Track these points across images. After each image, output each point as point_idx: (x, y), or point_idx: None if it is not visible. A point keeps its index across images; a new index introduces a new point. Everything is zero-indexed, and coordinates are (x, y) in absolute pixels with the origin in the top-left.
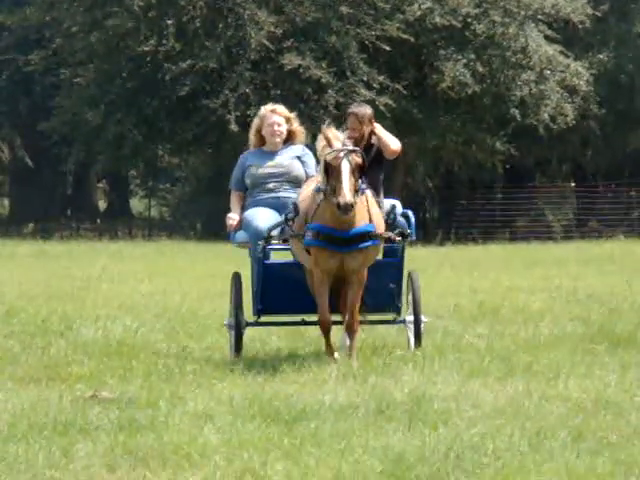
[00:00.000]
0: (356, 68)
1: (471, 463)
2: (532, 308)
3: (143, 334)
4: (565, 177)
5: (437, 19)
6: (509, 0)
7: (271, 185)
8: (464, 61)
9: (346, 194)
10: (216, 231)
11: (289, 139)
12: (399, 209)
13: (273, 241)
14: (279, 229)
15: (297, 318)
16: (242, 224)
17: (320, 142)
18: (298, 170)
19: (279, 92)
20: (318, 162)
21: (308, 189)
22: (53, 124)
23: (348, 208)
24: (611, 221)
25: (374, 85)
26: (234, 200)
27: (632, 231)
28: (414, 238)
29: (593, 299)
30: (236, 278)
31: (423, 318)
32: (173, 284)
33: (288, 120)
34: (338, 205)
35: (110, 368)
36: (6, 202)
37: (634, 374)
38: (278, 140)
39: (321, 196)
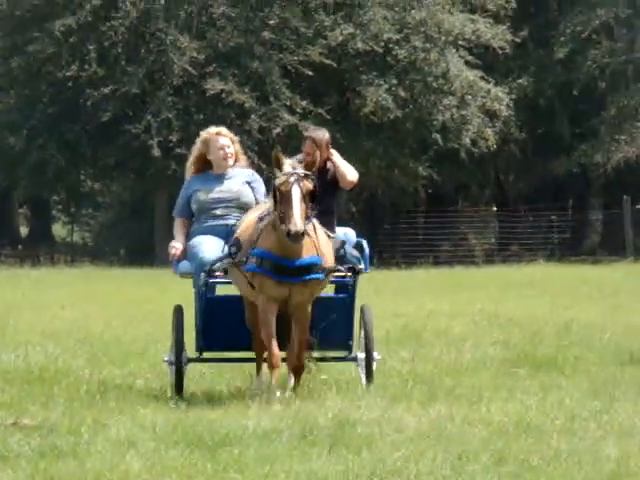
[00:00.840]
0: (279, 93)
1: None
2: (454, 332)
3: (65, 360)
4: (487, 201)
5: (359, 44)
6: (430, 26)
7: (219, 211)
8: (386, 86)
9: (297, 221)
10: (140, 257)
11: (235, 161)
12: (352, 238)
13: (217, 273)
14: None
15: (243, 354)
16: (187, 253)
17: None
18: (248, 196)
19: (202, 117)
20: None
21: (249, 218)
22: None
23: (299, 236)
24: (532, 245)
25: (297, 110)
26: (178, 227)
27: (552, 255)
28: (367, 271)
29: (514, 323)
30: (178, 312)
31: (375, 355)
32: (96, 310)
33: (233, 142)
34: (288, 233)
35: (31, 395)
36: None
37: (555, 397)
38: (230, 163)
39: (264, 222)
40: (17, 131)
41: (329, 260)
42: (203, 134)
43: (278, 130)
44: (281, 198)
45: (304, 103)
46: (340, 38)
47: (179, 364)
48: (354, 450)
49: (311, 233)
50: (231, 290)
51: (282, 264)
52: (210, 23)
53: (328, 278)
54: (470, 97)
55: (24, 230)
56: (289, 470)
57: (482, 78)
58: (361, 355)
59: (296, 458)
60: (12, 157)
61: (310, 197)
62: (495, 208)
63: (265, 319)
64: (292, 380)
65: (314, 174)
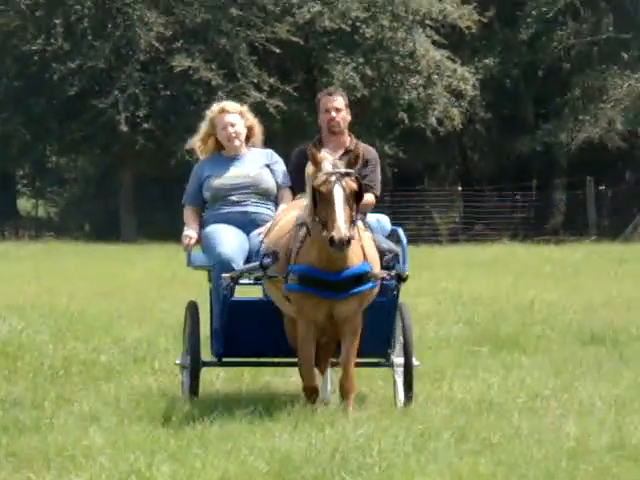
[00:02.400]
0: (246, 70)
1: (356, 464)
2: (418, 310)
3: (28, 335)
4: (452, 180)
5: (326, 22)
6: (397, 5)
7: (235, 197)
8: (353, 64)
9: (341, 227)
10: (105, 232)
11: (248, 137)
12: (387, 226)
13: (247, 276)
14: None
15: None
16: (202, 243)
17: (309, 166)
18: (267, 181)
19: (169, 93)
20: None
21: (286, 218)
22: None
23: (343, 244)
24: (496, 224)
25: (264, 87)
26: (189, 216)
27: (516, 235)
28: (406, 270)
29: (477, 302)
30: (192, 309)
31: (415, 362)
32: (60, 284)
33: (242, 115)
34: (331, 241)
35: None
36: None
37: (516, 375)
38: (238, 143)
39: (303, 229)
40: None
41: (376, 266)
42: (208, 113)
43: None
44: (321, 201)
45: (271, 80)
46: (308, 16)
47: (195, 368)
48: (317, 427)
49: (356, 241)
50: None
51: (326, 279)
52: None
53: (377, 287)
54: (436, 77)
55: None
56: (252, 446)
57: (449, 58)
58: (398, 360)
59: (259, 434)
60: None
61: (354, 198)
62: (460, 187)
63: (303, 347)
64: (328, 394)
65: (358, 171)
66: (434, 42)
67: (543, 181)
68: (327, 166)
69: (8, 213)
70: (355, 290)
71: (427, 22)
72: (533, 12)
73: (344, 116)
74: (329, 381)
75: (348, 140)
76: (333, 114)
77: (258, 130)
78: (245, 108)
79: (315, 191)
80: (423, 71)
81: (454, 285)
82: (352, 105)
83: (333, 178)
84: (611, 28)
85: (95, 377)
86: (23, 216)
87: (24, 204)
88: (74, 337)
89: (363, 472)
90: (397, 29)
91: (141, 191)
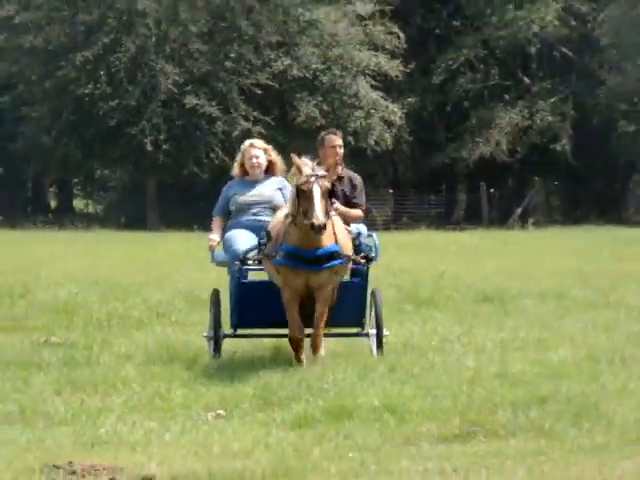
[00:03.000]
0: (237, 106)
1: (317, 389)
2: None
3: (82, 297)
4: (385, 185)
5: (295, 72)
6: (345, 59)
7: (254, 210)
8: (314, 102)
9: (319, 215)
10: (135, 223)
11: (270, 169)
12: (365, 232)
13: (249, 262)
14: (254, 252)
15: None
16: (223, 245)
17: (293, 170)
18: (278, 200)
19: (181, 123)
20: None
21: (278, 216)
22: (19, 146)
23: (321, 228)
24: (417, 217)
25: (250, 118)
26: (216, 224)
27: (431, 224)
28: (378, 261)
29: (404, 272)
30: (215, 295)
31: (385, 332)
32: (104, 261)
33: (266, 151)
34: (312, 226)
35: (58, 321)
36: None
37: (431, 325)
38: (257, 172)
39: (289, 220)
40: (48, 133)
41: (347, 249)
42: (242, 145)
43: (237, 133)
44: (303, 196)
45: (255, 113)
46: (281, 67)
47: (217, 339)
48: (290, 364)
49: (329, 226)
50: (260, 275)
51: (304, 255)
52: (188, 55)
53: (349, 263)
54: (373, 111)
55: (53, 204)
56: (243, 377)
57: (382, 97)
58: (372, 331)
59: (249, 370)
60: (44, 152)
61: (328, 195)
62: (391, 190)
63: (289, 308)
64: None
65: (331, 177)
66: (372, 86)
67: (450, 186)
68: (307, 170)
69: (67, 210)
70: (326, 265)
71: (367, 72)
72: (442, 64)
73: (341, 151)
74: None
75: (340, 169)
76: (340, 151)
77: (279, 166)
78: (270, 147)
79: (298, 189)
80: (364, 107)
81: (387, 261)
82: (313, 132)
83: (312, 179)
84: (497, 77)
85: (129, 327)
86: (77, 212)
87: (78, 203)
88: (114, 298)
89: (322, 394)
90: (345, 77)
91: (161, 193)
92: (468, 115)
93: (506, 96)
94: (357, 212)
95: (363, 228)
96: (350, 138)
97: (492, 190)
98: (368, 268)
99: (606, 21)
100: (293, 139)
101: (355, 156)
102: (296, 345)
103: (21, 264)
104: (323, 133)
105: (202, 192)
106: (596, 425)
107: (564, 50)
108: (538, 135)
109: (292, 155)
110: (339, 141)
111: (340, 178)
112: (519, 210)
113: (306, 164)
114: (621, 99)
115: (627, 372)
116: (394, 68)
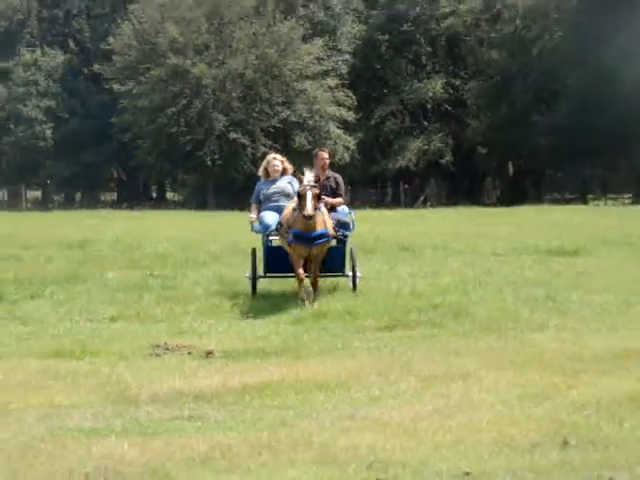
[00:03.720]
0: (259, 138)
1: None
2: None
3: (172, 250)
4: (345, 186)
5: (292, 118)
6: (322, 112)
7: (275, 198)
8: (303, 136)
9: (309, 209)
10: (201, 206)
11: (284, 171)
12: (345, 209)
13: (273, 235)
14: (275, 231)
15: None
16: (259, 220)
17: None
18: (290, 190)
19: (227, 149)
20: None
21: (288, 208)
22: (134, 164)
23: (310, 218)
24: (366, 204)
25: (267, 145)
26: (253, 207)
27: (372, 206)
28: (353, 229)
29: (359, 236)
30: (253, 252)
31: (358, 273)
32: (183, 228)
33: (282, 162)
34: (304, 215)
35: (157, 263)
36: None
37: (371, 265)
38: (277, 174)
39: (296, 213)
40: (151, 155)
41: (331, 230)
42: (267, 157)
43: (259, 154)
44: (300, 197)
45: (269, 143)
46: (284, 116)
47: (254, 279)
48: (296, 304)
49: (320, 216)
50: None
51: (305, 236)
52: (231, 110)
53: (332, 240)
54: (338, 140)
55: (154, 195)
56: (262, 310)
57: (343, 133)
58: (350, 273)
59: (270, 306)
60: (149, 166)
61: (317, 197)
62: (350, 187)
63: (295, 263)
64: (311, 290)
65: (319, 184)
66: (337, 127)
67: (382, 184)
68: (305, 182)
69: (162, 199)
70: (320, 241)
71: (334, 119)
72: (377, 114)
73: (327, 161)
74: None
75: (328, 172)
76: (326, 160)
77: (290, 170)
78: (285, 159)
79: (298, 193)
80: (332, 139)
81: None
82: (304, 153)
83: (307, 187)
84: (409, 121)
85: (198, 266)
86: (168, 200)
87: (169, 195)
88: (188, 249)
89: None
90: (321, 121)
91: (216, 189)
92: (392, 143)
93: (414, 132)
94: (339, 200)
95: (346, 209)
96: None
97: (406, 186)
98: (347, 236)
99: (469, 89)
100: (291, 158)
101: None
102: (299, 282)
103: (136, 230)
104: (317, 149)
105: (238, 188)
106: (465, 320)
107: (446, 106)
108: (432, 154)
109: (297, 173)
110: (325, 155)
111: (328, 177)
112: (422, 198)
113: (306, 178)
114: (479, 134)
115: (483, 290)
116: (349, 116)
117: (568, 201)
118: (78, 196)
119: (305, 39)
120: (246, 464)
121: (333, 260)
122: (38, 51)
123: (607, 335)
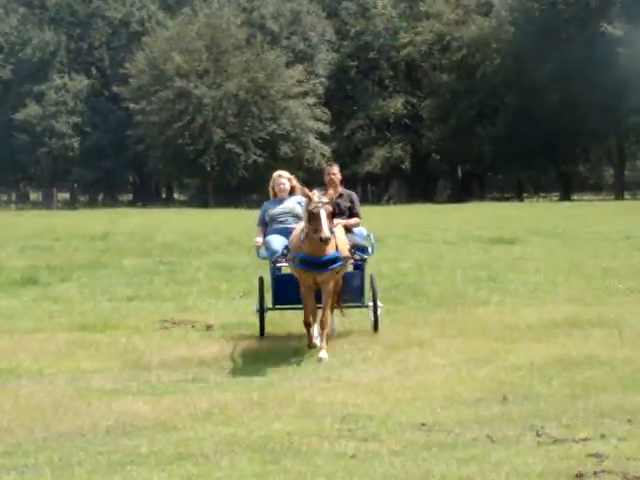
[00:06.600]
0: (250, 148)
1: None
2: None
3: (178, 240)
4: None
5: (278, 132)
6: (302, 125)
7: (282, 219)
8: (287, 145)
9: (326, 231)
10: (202, 204)
11: (292, 191)
12: (364, 232)
13: (281, 260)
14: (282, 257)
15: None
16: (265, 244)
17: (306, 200)
18: (298, 210)
19: (224, 157)
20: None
21: (296, 230)
22: (147, 170)
23: (328, 240)
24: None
25: (257, 154)
26: (258, 231)
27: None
28: (373, 253)
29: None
30: (260, 281)
31: (379, 303)
32: (188, 223)
33: (289, 179)
34: (321, 239)
35: (166, 251)
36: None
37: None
38: (284, 194)
39: (303, 235)
40: (160, 162)
41: (344, 252)
42: (272, 175)
43: (249, 161)
44: (313, 218)
45: (259, 152)
46: (271, 130)
47: (262, 312)
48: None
49: (332, 238)
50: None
51: (314, 261)
52: (227, 124)
53: (347, 264)
54: (316, 149)
55: (163, 195)
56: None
57: (320, 143)
58: (370, 304)
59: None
60: (159, 171)
61: (331, 215)
62: None
63: (303, 300)
64: (320, 331)
65: (332, 201)
66: (315, 138)
67: (353, 185)
68: (315, 199)
69: (170, 198)
70: (330, 267)
71: (312, 131)
72: (349, 127)
73: (339, 177)
74: (317, 328)
75: (340, 188)
76: (336, 176)
77: (298, 190)
78: (293, 176)
79: (309, 212)
80: (312, 148)
81: None
82: (287, 160)
83: (320, 205)
84: (374, 133)
85: (200, 253)
86: (175, 199)
87: (176, 195)
88: (192, 240)
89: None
90: (302, 134)
91: (215, 190)
92: (361, 152)
93: (379, 142)
94: (356, 220)
95: (364, 230)
96: (305, 163)
97: (373, 187)
98: (365, 261)
99: (424, 106)
100: (278, 165)
101: (307, 171)
102: (307, 327)
103: (149, 224)
104: (325, 164)
105: (233, 189)
106: (422, 297)
107: (406, 120)
108: (394, 161)
109: (304, 188)
110: (335, 170)
111: (340, 195)
112: (386, 197)
113: (315, 194)
114: (433, 143)
115: (436, 272)
116: (325, 129)
117: (507, 199)
118: (100, 197)
119: (288, 65)
120: (240, 418)
121: (350, 287)
122: (66, 77)
123: (538, 309)
